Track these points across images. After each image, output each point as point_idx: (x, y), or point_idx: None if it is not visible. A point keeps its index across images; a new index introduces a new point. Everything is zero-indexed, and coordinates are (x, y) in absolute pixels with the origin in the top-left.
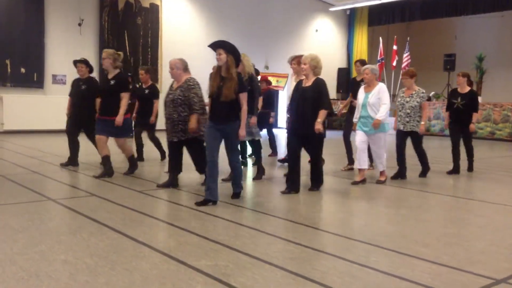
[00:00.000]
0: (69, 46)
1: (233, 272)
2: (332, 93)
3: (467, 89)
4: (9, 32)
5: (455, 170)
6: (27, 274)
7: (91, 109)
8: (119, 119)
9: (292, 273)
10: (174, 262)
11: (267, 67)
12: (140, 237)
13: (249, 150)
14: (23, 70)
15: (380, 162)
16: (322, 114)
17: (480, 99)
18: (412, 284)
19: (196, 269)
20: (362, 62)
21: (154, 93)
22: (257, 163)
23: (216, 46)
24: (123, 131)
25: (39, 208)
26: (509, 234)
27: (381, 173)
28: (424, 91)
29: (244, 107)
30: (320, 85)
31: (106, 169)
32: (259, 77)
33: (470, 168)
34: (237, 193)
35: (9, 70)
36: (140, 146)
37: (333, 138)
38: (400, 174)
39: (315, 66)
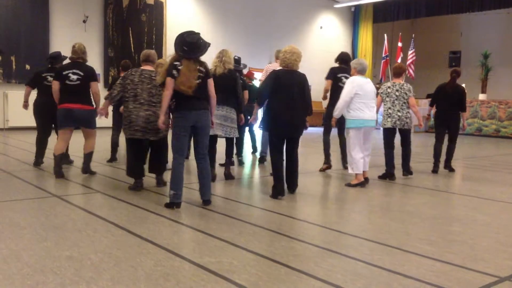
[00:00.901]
0: (74, 43)
1: (237, 269)
2: None
3: None
4: (14, 29)
5: (446, 167)
6: (32, 270)
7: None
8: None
9: (296, 270)
10: (178, 259)
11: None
12: (145, 234)
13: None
14: (28, 67)
15: (348, 161)
16: (255, 106)
17: (485, 96)
18: (416, 282)
19: (200, 266)
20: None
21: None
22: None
23: None
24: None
25: (43, 205)
26: None
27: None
28: (383, 85)
29: (165, 92)
30: None
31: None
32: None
33: (433, 169)
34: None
35: (14, 67)
36: (114, 144)
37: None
38: (405, 170)
39: (279, 57)
